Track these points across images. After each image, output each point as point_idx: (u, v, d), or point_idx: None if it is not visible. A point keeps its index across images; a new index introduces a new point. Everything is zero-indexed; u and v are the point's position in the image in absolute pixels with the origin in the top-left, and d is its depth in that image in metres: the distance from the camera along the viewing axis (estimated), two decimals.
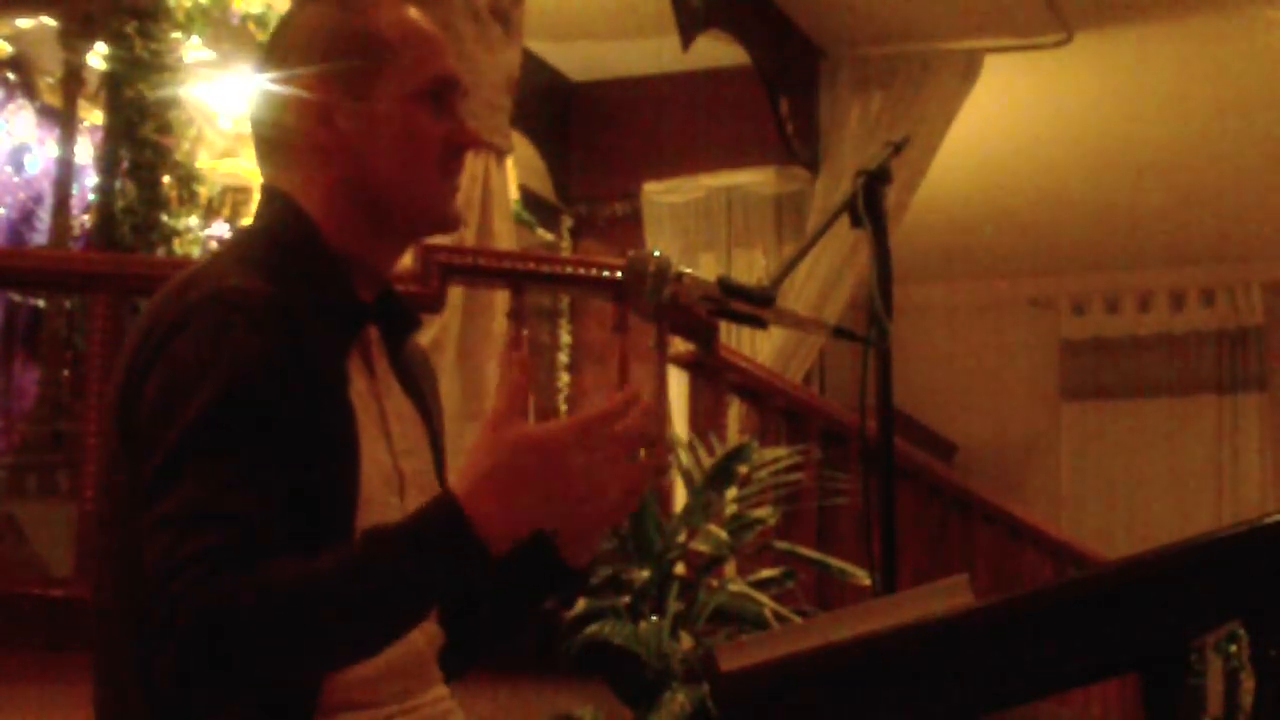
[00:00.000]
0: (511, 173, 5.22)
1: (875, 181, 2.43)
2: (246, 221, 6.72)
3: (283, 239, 1.82)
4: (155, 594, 1.58)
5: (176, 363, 1.68)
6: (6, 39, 6.35)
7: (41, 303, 5.78)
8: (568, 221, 8.63)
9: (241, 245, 1.86)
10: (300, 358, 1.71)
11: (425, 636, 1.85)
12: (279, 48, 1.88)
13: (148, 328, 1.74)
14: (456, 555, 1.60)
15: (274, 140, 1.87)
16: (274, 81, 1.86)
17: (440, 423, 1.97)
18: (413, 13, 1.89)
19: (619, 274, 4.54)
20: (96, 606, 1.80)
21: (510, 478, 1.60)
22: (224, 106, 6.22)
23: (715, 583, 3.95)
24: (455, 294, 4.69)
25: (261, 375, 1.67)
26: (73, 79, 5.83)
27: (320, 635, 1.60)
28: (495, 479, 1.60)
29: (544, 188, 8.46)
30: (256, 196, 7.16)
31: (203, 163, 5.94)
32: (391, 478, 1.82)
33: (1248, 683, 6.96)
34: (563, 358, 8.33)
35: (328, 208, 1.83)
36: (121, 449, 1.73)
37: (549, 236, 8.16)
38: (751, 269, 8.05)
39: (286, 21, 1.92)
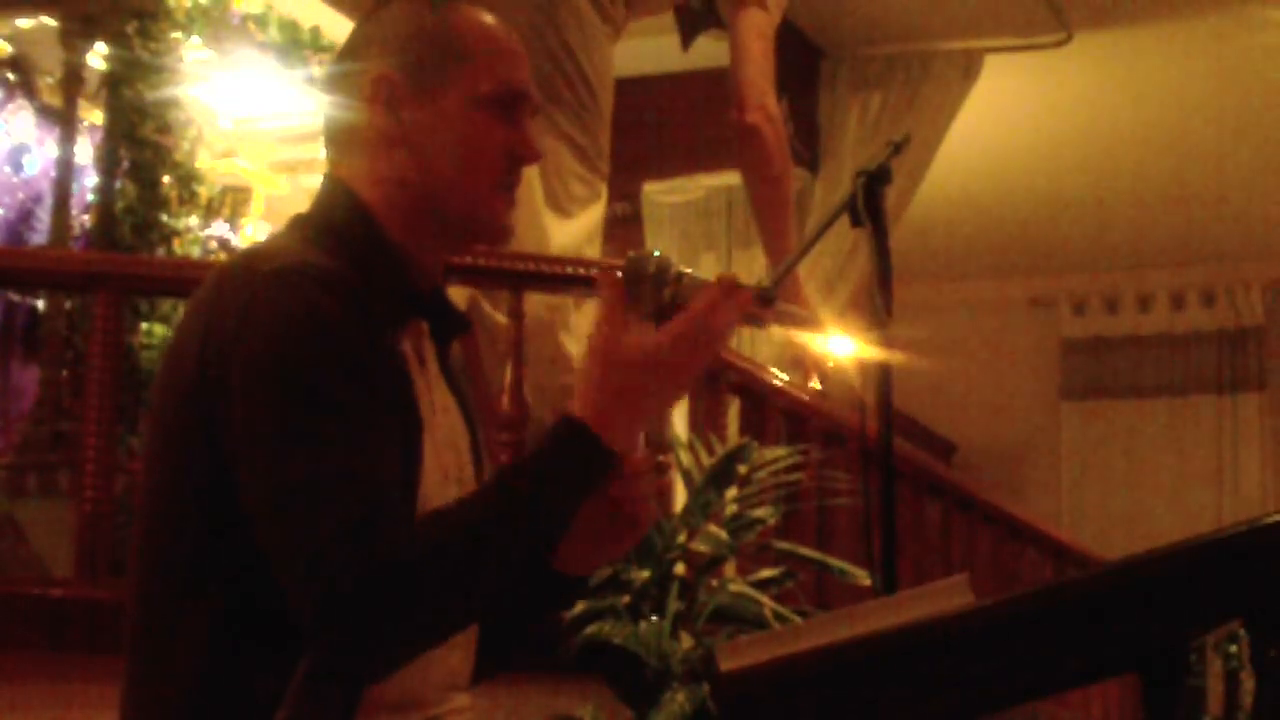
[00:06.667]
0: None
1: (875, 181, 2.44)
2: (246, 221, 6.70)
3: (338, 225, 1.84)
4: (304, 572, 1.59)
5: (262, 337, 1.68)
6: (6, 39, 6.34)
7: (41, 303, 5.77)
8: None
9: (297, 229, 1.87)
10: (370, 330, 1.73)
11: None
12: (360, 37, 1.91)
13: (211, 313, 1.73)
14: (590, 465, 1.70)
15: (341, 126, 1.89)
16: (349, 68, 1.88)
17: (481, 428, 1.99)
18: (493, 21, 1.91)
19: (619, 274, 4.53)
20: (140, 594, 1.77)
21: (622, 389, 1.71)
22: (224, 106, 6.21)
23: (715, 583, 3.94)
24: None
25: (351, 341, 1.69)
26: (73, 79, 5.82)
27: (486, 568, 1.64)
28: (609, 391, 1.71)
29: None
30: (257, 196, 7.15)
31: (203, 163, 5.93)
32: (445, 459, 1.84)
33: (1248, 683, 6.95)
34: None
35: (384, 199, 1.85)
36: (200, 427, 1.71)
37: None
38: (751, 269, 8.04)
39: (371, 14, 1.94)
